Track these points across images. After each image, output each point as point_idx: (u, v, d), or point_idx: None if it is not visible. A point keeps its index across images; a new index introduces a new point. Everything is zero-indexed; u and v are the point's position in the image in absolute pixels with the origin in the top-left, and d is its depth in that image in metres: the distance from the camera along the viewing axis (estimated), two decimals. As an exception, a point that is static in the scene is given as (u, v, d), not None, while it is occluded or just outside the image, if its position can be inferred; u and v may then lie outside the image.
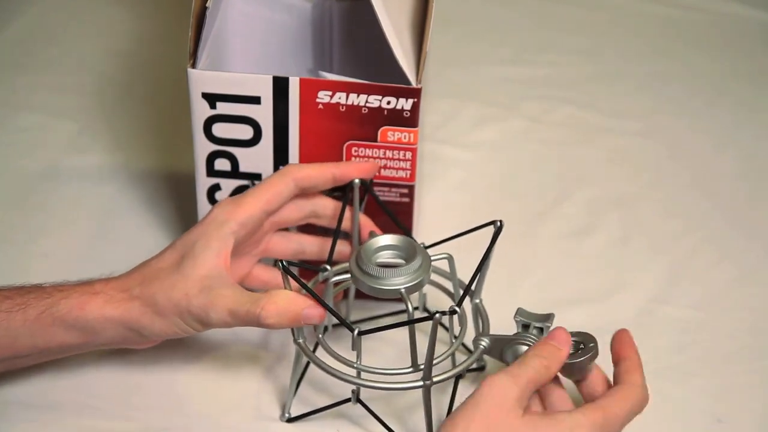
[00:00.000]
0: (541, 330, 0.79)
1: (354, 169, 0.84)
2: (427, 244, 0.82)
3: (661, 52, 1.23)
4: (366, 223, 0.86)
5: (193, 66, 0.84)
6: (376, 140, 0.85)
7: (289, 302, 0.76)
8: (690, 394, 0.89)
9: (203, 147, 0.87)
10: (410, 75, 0.82)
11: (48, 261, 0.97)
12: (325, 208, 0.85)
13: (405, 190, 0.88)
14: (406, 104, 0.83)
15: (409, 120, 0.84)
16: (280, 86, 0.84)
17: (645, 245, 1.01)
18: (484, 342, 0.80)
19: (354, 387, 0.79)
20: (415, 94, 0.83)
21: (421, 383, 0.77)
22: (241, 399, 0.86)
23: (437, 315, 0.74)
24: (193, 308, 0.78)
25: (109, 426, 0.84)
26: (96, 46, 1.20)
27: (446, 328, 0.86)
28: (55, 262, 0.97)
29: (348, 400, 0.81)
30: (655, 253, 1.00)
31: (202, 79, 0.84)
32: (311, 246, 0.87)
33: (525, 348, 0.78)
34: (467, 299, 0.81)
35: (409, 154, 0.86)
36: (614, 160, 1.10)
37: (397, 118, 0.84)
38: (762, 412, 0.87)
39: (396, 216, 0.87)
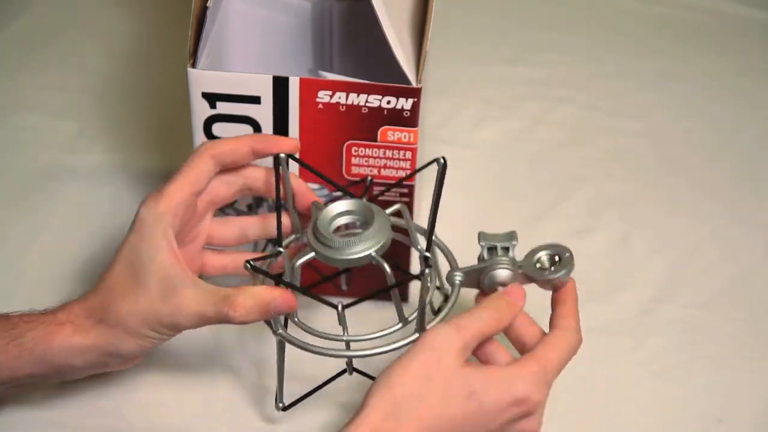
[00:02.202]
0: (507, 249, 0.79)
1: (273, 143, 0.81)
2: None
3: (661, 51, 1.23)
4: (302, 190, 0.83)
5: (193, 66, 0.84)
6: (376, 140, 0.85)
7: (257, 297, 0.75)
8: (690, 394, 0.89)
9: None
10: (410, 75, 0.82)
11: (48, 261, 0.97)
12: (256, 179, 0.83)
13: (405, 190, 0.88)
14: (406, 104, 0.83)
15: (409, 120, 0.84)
16: (280, 86, 0.84)
17: (645, 245, 1.01)
18: (459, 276, 0.79)
19: (347, 360, 0.79)
20: (415, 93, 0.83)
21: (416, 336, 0.76)
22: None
23: (427, 271, 0.74)
24: (162, 317, 0.76)
25: (109, 425, 0.84)
26: (96, 46, 1.20)
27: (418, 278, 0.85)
28: (55, 262, 0.97)
29: (343, 373, 0.80)
30: (655, 253, 1.00)
31: (202, 79, 0.84)
32: (253, 227, 0.85)
33: (502, 272, 0.78)
34: (422, 239, 0.81)
35: (409, 154, 0.86)
36: (614, 160, 1.10)
37: (397, 118, 0.84)
38: (762, 412, 0.87)
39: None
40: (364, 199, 0.81)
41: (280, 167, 0.81)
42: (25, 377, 0.79)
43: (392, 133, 0.85)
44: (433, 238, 0.82)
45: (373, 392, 0.71)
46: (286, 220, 0.84)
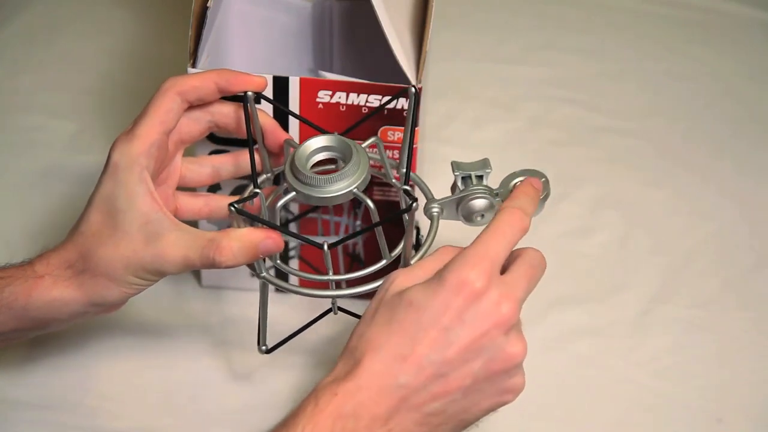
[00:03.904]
0: (481, 178, 0.78)
1: (237, 80, 0.79)
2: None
3: (662, 51, 1.23)
4: (271, 127, 0.81)
5: (193, 65, 0.84)
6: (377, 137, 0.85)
7: (244, 239, 0.74)
8: (690, 394, 0.89)
9: (203, 147, 0.87)
10: (410, 75, 0.82)
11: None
12: (224, 115, 0.81)
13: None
14: (406, 104, 0.83)
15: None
16: (281, 86, 0.84)
17: (645, 245, 1.01)
18: (436, 208, 0.78)
19: (332, 299, 0.78)
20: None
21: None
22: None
23: (414, 205, 0.73)
24: (145, 263, 0.75)
25: (109, 425, 0.84)
26: (96, 46, 1.20)
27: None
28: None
29: (328, 312, 0.79)
30: (655, 252, 1.00)
31: (202, 79, 0.84)
32: (225, 165, 0.83)
33: (479, 201, 0.77)
34: (394, 172, 0.81)
35: (409, 154, 0.86)
36: (614, 160, 1.10)
37: (397, 118, 0.84)
38: (762, 412, 0.87)
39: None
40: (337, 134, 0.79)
41: (249, 106, 0.79)
42: (9, 332, 0.77)
43: (392, 133, 0.85)
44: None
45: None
46: (256, 158, 0.82)
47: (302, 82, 0.83)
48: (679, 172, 1.08)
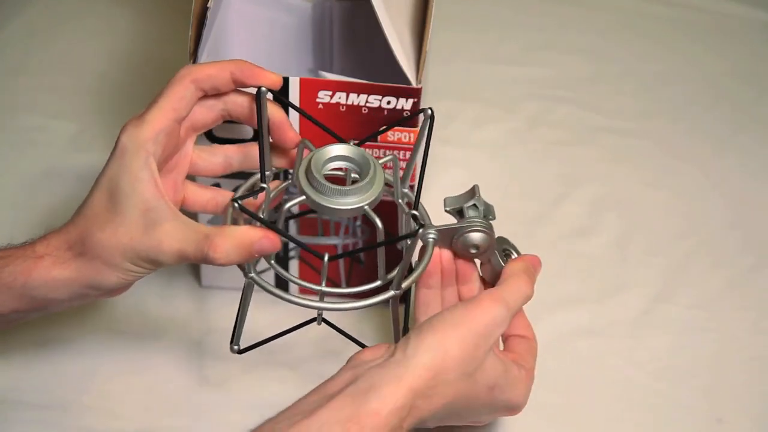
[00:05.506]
0: (474, 207, 0.78)
1: (253, 73, 0.78)
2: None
3: (662, 52, 1.23)
4: (280, 121, 0.79)
5: (193, 66, 0.84)
6: (376, 140, 0.85)
7: (239, 238, 0.73)
8: (690, 394, 0.89)
9: (202, 145, 0.87)
10: (410, 75, 0.82)
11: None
12: (238, 105, 0.79)
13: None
14: (406, 104, 0.83)
15: (409, 120, 0.84)
16: (281, 86, 0.83)
17: (645, 245, 1.01)
18: (432, 235, 0.77)
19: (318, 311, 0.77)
20: (415, 93, 0.83)
21: (391, 293, 0.75)
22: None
23: (420, 231, 0.73)
24: (141, 251, 0.74)
25: (109, 425, 0.84)
26: (96, 46, 1.20)
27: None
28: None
29: (311, 321, 0.78)
30: (655, 253, 1.00)
31: (202, 79, 0.84)
32: (237, 156, 0.82)
33: (476, 235, 0.78)
34: (394, 193, 0.80)
35: (409, 154, 0.86)
36: (614, 160, 1.10)
37: (397, 118, 0.84)
38: (762, 412, 0.88)
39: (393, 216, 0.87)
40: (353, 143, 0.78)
41: (261, 101, 0.78)
42: (10, 313, 0.77)
43: (392, 134, 0.85)
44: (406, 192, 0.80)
45: (425, 340, 0.71)
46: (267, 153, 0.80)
47: (302, 82, 0.83)
48: (679, 172, 1.09)
